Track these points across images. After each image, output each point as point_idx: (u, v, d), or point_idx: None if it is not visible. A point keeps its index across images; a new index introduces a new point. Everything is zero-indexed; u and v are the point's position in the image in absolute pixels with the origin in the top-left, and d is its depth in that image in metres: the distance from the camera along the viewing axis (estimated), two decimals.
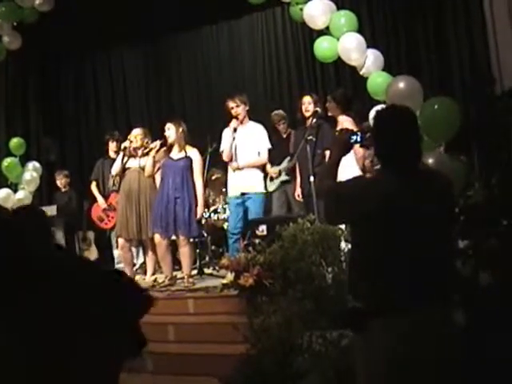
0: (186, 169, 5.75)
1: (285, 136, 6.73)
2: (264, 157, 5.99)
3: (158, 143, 5.88)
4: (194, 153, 5.83)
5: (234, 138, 5.86)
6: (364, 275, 2.22)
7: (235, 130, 5.84)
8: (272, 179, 6.52)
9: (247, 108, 5.94)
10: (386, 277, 2.15)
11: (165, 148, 5.89)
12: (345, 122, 5.56)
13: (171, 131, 5.79)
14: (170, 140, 5.80)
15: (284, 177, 6.45)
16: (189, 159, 5.77)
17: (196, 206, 5.69)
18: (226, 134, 6.00)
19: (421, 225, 2.16)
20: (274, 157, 6.41)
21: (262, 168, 6.10)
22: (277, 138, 6.60)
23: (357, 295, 2.26)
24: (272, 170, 6.48)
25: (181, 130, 5.82)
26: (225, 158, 5.98)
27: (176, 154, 5.82)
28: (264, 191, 6.01)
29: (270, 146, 6.00)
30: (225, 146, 5.96)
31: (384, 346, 2.11)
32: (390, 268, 2.14)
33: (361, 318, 2.18)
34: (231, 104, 5.89)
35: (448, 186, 2.37)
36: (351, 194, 2.28)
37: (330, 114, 5.79)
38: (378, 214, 2.15)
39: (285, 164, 6.43)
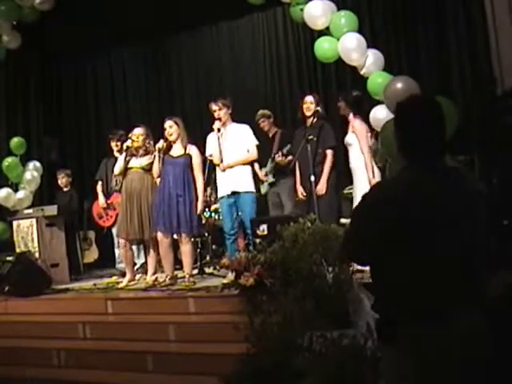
0: (186, 166, 5.75)
1: (271, 135, 6.73)
2: (253, 153, 6.01)
3: (163, 143, 5.80)
4: (192, 149, 5.83)
5: (218, 138, 5.89)
6: (392, 285, 2.08)
7: (219, 130, 5.88)
8: (262, 182, 6.56)
9: (229, 111, 6.00)
10: (416, 285, 2.02)
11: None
12: (355, 122, 5.65)
13: (174, 129, 5.80)
14: (173, 138, 5.80)
15: (271, 179, 6.47)
16: (188, 156, 5.78)
17: (197, 202, 5.70)
18: (211, 137, 6.03)
19: (449, 226, 2.03)
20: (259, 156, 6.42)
21: (252, 166, 6.13)
22: (261, 138, 6.59)
23: (386, 304, 2.11)
24: (260, 174, 6.52)
25: (183, 127, 5.84)
26: (216, 160, 5.99)
27: (176, 151, 5.82)
28: (254, 190, 6.02)
29: (257, 143, 6.04)
30: (213, 150, 5.98)
31: (413, 357, 2.00)
32: (419, 277, 2.01)
33: (389, 328, 2.07)
34: (214, 107, 5.97)
35: (472, 184, 2.21)
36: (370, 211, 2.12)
37: (341, 113, 5.95)
38: (398, 224, 2.02)
39: (268, 166, 6.46)
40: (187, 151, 5.79)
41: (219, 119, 5.91)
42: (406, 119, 2.19)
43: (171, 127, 5.80)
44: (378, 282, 2.16)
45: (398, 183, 2.17)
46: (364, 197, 2.20)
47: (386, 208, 2.06)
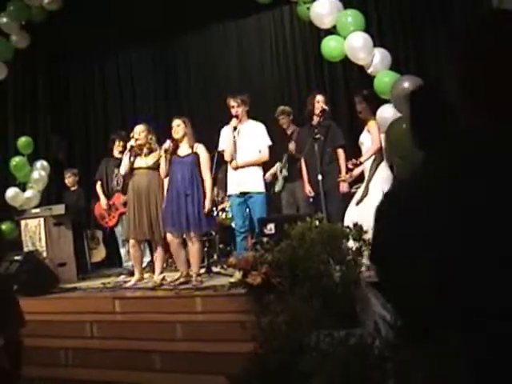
0: (194, 165, 5.74)
1: (289, 132, 6.72)
2: (265, 154, 6.00)
3: (170, 143, 5.78)
4: (200, 148, 5.82)
5: (234, 137, 5.88)
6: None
7: (235, 128, 5.87)
8: (277, 178, 6.55)
9: (247, 108, 5.99)
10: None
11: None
12: (372, 126, 5.51)
13: (181, 127, 5.80)
14: (179, 135, 5.79)
15: (284, 172, 6.47)
16: (196, 155, 5.77)
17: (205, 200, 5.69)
18: (226, 132, 6.02)
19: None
20: (273, 154, 6.40)
21: (263, 166, 6.11)
22: (278, 135, 6.58)
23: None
24: (269, 173, 6.52)
25: (190, 126, 5.84)
26: (227, 157, 5.99)
27: (183, 150, 5.82)
28: (264, 190, 6.01)
29: (270, 143, 6.03)
30: (226, 146, 5.98)
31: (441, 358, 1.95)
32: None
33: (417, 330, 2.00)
34: (232, 103, 5.93)
35: None
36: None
37: (361, 116, 5.71)
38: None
39: (279, 165, 6.49)
40: (194, 150, 5.78)
41: (236, 116, 5.90)
42: (418, 108, 2.14)
43: (179, 126, 5.80)
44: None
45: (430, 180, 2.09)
46: (392, 197, 2.11)
47: (426, 207, 1.99)
